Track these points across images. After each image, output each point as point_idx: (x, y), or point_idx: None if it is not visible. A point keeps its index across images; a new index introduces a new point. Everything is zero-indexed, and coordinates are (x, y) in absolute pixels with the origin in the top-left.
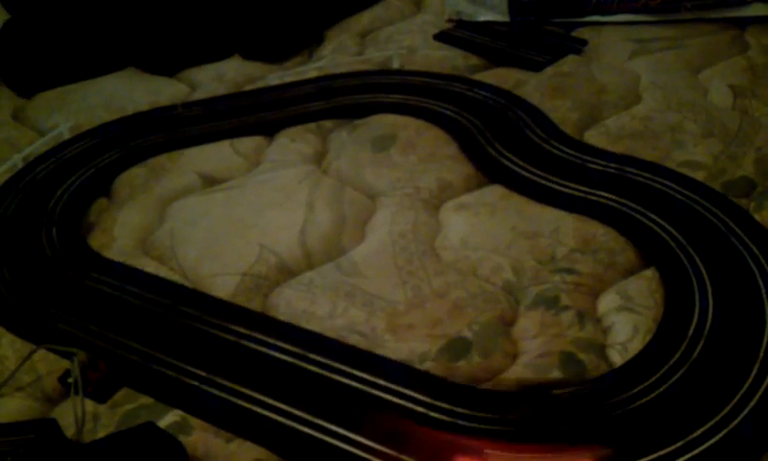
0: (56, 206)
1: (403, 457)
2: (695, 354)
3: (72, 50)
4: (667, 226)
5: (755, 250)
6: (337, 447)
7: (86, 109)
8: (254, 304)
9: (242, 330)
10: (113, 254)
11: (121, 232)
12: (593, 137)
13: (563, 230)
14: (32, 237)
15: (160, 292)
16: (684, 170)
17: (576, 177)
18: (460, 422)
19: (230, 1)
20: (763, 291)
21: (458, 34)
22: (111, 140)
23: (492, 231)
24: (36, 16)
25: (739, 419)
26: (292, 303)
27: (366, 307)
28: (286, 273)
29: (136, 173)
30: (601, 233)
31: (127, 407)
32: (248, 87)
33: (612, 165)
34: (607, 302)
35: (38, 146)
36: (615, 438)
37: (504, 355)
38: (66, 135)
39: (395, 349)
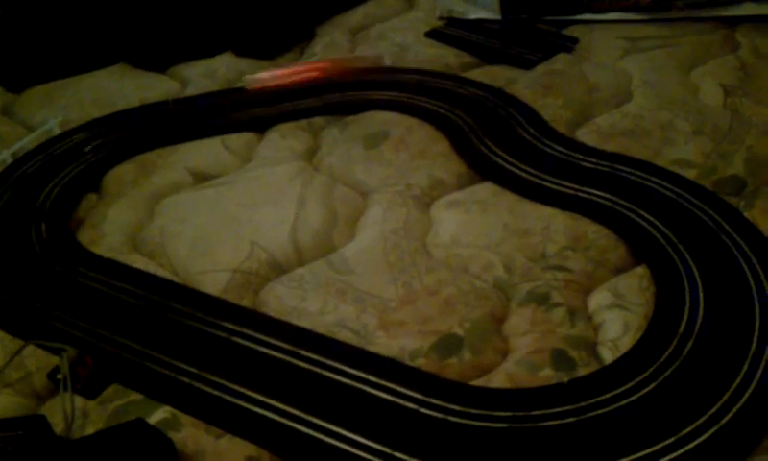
0: (45, 201)
1: (396, 454)
2: (686, 351)
3: (62, 45)
4: (658, 223)
5: (745, 248)
6: (328, 443)
7: (76, 104)
8: (245, 301)
9: (232, 327)
10: (103, 250)
11: (111, 228)
12: (585, 135)
13: (554, 227)
14: (21, 233)
15: (150, 288)
16: (674, 168)
17: (567, 174)
18: (451, 418)
19: None
20: (753, 289)
21: (450, 31)
22: (101, 136)
23: (484, 229)
24: (26, 11)
25: (730, 416)
26: (283, 300)
27: (357, 304)
28: (277, 269)
29: (126, 169)
30: (592, 231)
31: (116, 404)
32: (239, 84)
33: (604, 163)
34: (598, 299)
35: (28, 141)
36: (605, 434)
37: (495, 352)
38: (56, 131)
39: (386, 345)
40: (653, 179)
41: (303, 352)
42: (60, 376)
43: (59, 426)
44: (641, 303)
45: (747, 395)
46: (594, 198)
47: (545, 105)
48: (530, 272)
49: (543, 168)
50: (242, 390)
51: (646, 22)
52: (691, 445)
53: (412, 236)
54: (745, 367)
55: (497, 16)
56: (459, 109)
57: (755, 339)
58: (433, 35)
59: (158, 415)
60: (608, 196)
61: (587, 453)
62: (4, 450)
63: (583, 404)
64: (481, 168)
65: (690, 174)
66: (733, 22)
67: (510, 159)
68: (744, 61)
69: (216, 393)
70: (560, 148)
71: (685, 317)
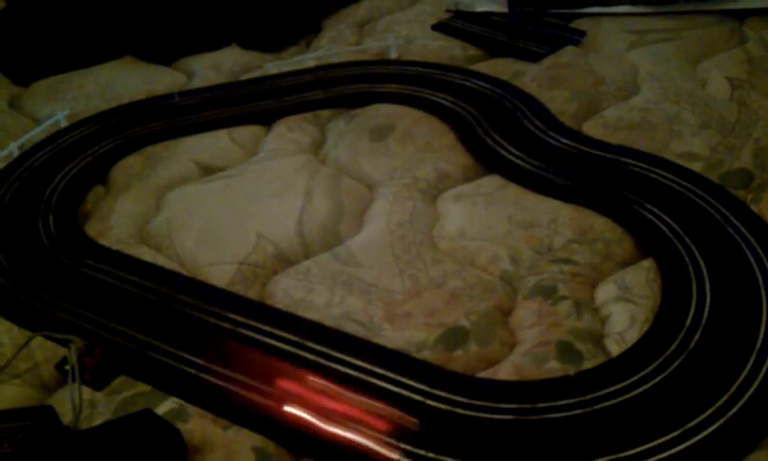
0: (52, 194)
1: (402, 445)
2: (692, 344)
3: (69, 38)
4: (665, 216)
5: (752, 241)
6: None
7: (83, 97)
8: (252, 293)
9: (239, 319)
10: (110, 242)
11: (118, 221)
12: (591, 128)
13: (560, 220)
14: (28, 225)
15: (157, 280)
16: (681, 161)
17: (574, 167)
18: (457, 410)
19: None
20: (760, 281)
21: (456, 24)
22: (108, 129)
23: (490, 221)
24: (32, 4)
25: (736, 408)
26: (289, 292)
27: (363, 296)
28: (284, 262)
29: (133, 161)
30: (599, 224)
31: (124, 395)
32: (245, 77)
33: (610, 156)
34: (604, 292)
35: (35, 134)
36: (612, 427)
37: (501, 344)
38: (63, 124)
39: (392, 337)
40: (659, 172)
41: (310, 344)
42: (67, 367)
43: (66, 417)
44: (648, 295)
45: (754, 387)
46: (601, 191)
47: (552, 97)
48: (536, 264)
49: (550, 161)
50: (248, 381)
51: (653, 15)
52: (698, 437)
53: (418, 229)
54: (752, 359)
55: (504, 9)
56: (465, 102)
57: (761, 332)
58: (439, 27)
59: (166, 406)
60: (614, 189)
61: (593, 446)
62: (13, 440)
63: (589, 397)
64: (487, 161)
65: (697, 167)
66: (741, 15)
67: (516, 152)
68: (751, 54)
69: (223, 384)
70: (566, 141)
71: (692, 310)
